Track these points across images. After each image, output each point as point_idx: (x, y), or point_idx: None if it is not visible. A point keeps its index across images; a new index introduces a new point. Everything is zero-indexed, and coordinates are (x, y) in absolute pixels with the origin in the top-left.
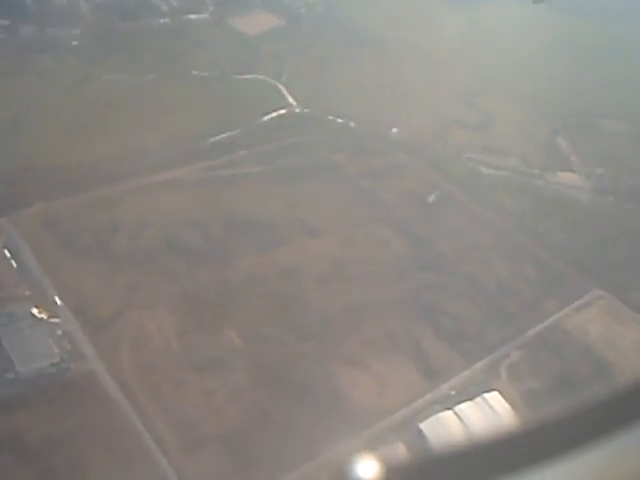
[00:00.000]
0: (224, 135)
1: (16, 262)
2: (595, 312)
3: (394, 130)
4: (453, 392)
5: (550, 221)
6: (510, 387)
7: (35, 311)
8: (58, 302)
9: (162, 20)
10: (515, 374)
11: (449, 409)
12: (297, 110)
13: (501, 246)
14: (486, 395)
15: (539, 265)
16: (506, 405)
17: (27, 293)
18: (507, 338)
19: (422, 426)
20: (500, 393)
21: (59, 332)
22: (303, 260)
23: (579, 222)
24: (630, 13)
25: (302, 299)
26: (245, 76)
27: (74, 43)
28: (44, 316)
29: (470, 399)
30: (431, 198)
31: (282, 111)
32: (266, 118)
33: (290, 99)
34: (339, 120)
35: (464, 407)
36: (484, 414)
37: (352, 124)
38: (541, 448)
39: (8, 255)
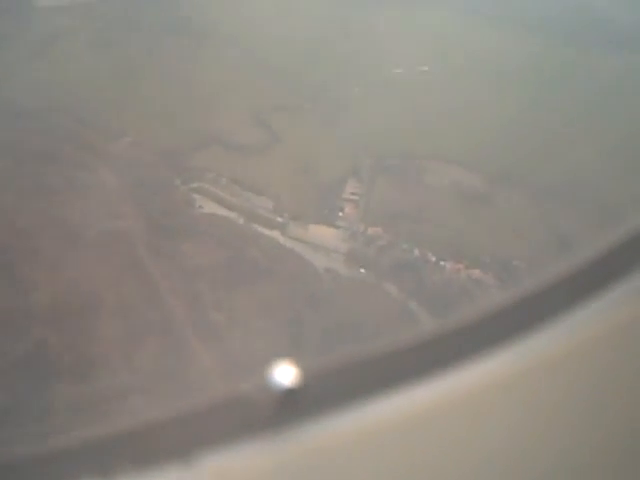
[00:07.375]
0: None
1: None
2: None
3: (126, 139)
4: None
5: (236, 293)
6: None
7: None
8: None
9: None
10: None
11: None
12: None
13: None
14: None
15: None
16: None
17: None
18: None
19: None
20: None
21: None
22: None
23: (274, 294)
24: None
25: None
26: None
27: None
28: None
29: None
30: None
31: None
32: None
33: None
34: (56, 116)
35: None
36: None
37: (73, 125)
38: None
39: None
